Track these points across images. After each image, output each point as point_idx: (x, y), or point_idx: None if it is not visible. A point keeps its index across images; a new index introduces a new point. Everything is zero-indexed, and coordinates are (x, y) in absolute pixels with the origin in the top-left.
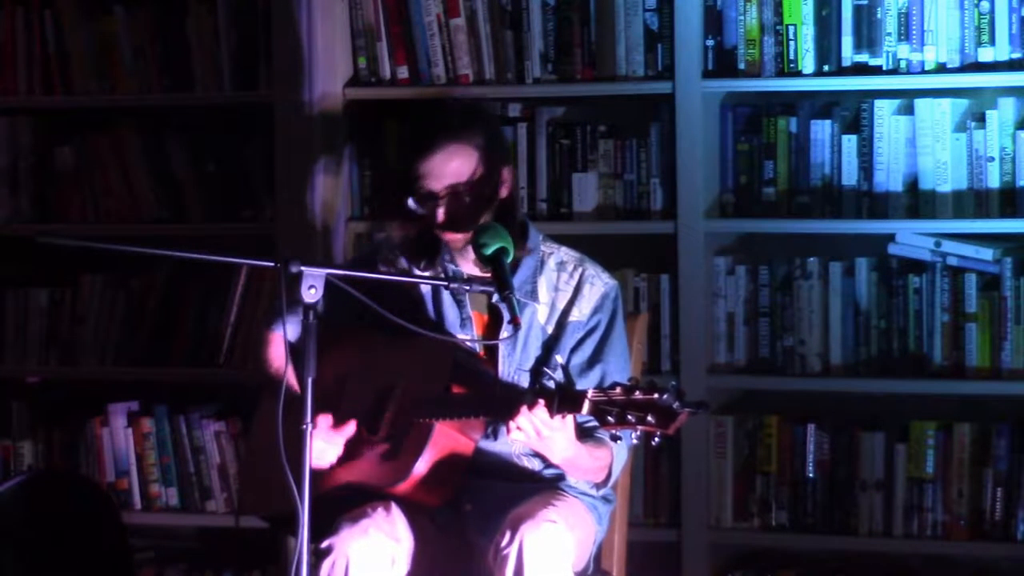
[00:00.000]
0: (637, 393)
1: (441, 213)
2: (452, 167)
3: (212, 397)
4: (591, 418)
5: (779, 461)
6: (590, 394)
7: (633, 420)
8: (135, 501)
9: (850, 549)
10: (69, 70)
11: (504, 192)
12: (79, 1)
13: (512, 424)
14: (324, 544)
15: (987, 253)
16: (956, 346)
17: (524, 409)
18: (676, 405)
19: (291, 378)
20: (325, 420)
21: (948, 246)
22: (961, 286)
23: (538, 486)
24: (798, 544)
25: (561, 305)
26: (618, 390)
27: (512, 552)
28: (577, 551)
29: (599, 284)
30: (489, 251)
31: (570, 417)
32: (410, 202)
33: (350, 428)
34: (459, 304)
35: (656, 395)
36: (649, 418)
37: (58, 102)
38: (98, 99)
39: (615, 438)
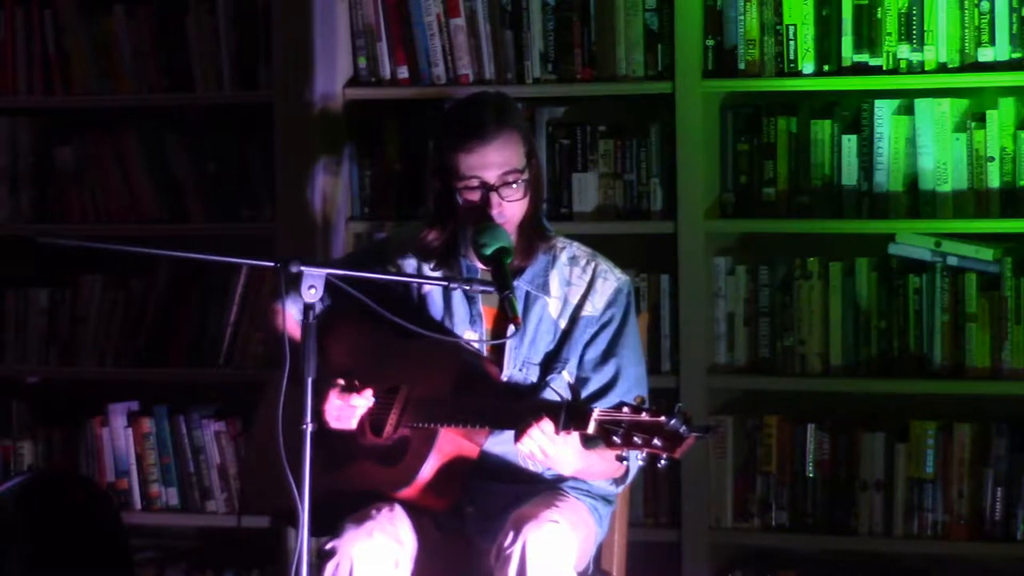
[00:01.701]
0: (644, 414)
1: (498, 203)
2: (504, 156)
3: (212, 397)
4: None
5: (779, 461)
6: (596, 413)
7: (639, 442)
8: (135, 501)
9: (850, 549)
10: (69, 70)
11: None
12: (79, 1)
13: (518, 443)
14: (328, 546)
15: (987, 253)
16: (956, 346)
17: (530, 429)
18: (683, 429)
19: (292, 327)
20: (338, 387)
21: (948, 246)
22: (961, 286)
23: (539, 487)
24: (798, 544)
25: (574, 299)
26: (625, 410)
27: (515, 552)
28: (578, 552)
29: (612, 279)
30: (489, 251)
31: (575, 432)
32: (460, 199)
33: (367, 395)
34: (470, 301)
35: (663, 418)
36: (656, 441)
37: (58, 102)
38: (98, 99)
39: (621, 459)
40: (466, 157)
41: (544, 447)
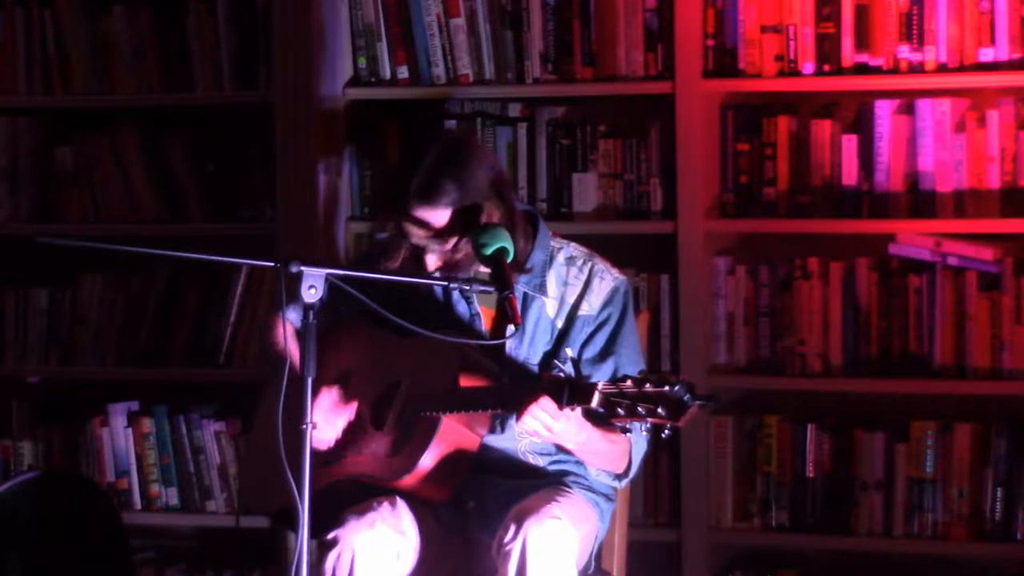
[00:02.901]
0: (648, 385)
1: (427, 261)
2: (429, 221)
3: (212, 397)
4: (603, 409)
5: (779, 461)
6: (600, 386)
7: (643, 412)
8: (135, 501)
9: (850, 549)
10: (69, 70)
11: (492, 216)
12: (79, 1)
13: (519, 421)
14: (330, 536)
15: (987, 253)
16: (956, 346)
17: (531, 407)
18: (687, 398)
19: (295, 356)
20: (328, 396)
21: (948, 246)
22: (961, 286)
23: (542, 482)
24: (798, 544)
25: (571, 299)
26: (628, 382)
27: (516, 547)
28: (580, 548)
29: (609, 278)
30: (489, 251)
31: (579, 408)
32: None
33: (351, 409)
34: (467, 301)
35: (667, 387)
36: (660, 410)
37: (58, 102)
38: (98, 99)
39: (625, 431)
40: (405, 211)
41: (548, 424)
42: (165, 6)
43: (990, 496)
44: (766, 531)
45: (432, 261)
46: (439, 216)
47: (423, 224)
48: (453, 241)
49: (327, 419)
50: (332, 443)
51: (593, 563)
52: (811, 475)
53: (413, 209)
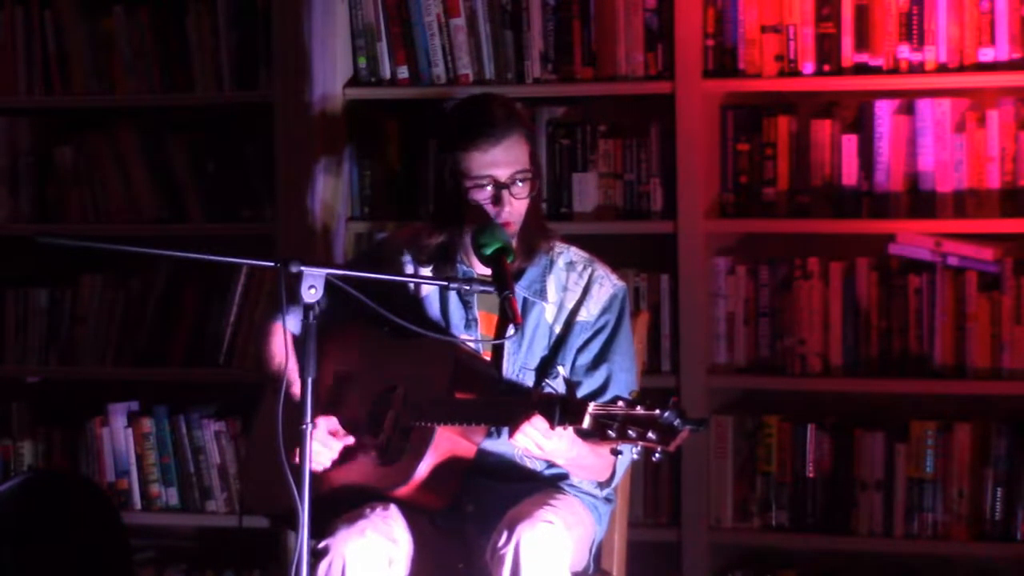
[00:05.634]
0: (639, 408)
1: (508, 201)
2: (514, 154)
3: (212, 397)
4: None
5: (779, 461)
6: (591, 408)
7: (634, 435)
8: (135, 501)
9: (850, 549)
10: (69, 70)
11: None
12: (79, 1)
13: (511, 439)
14: (321, 545)
15: (987, 253)
16: (956, 346)
17: (524, 426)
18: (677, 422)
19: (293, 374)
20: (326, 423)
21: (948, 246)
22: (961, 286)
23: (539, 485)
24: (798, 544)
25: (569, 305)
26: (620, 404)
27: (508, 552)
28: (576, 550)
29: (608, 285)
30: (489, 251)
31: (570, 428)
32: (472, 196)
33: (348, 439)
34: (465, 305)
35: (658, 411)
36: (650, 434)
37: (58, 102)
38: (98, 99)
39: (615, 452)
40: (479, 156)
41: (539, 442)
42: (165, 6)
43: (990, 496)
44: (766, 531)
45: (508, 202)
46: (522, 145)
47: (508, 159)
48: (532, 178)
49: (324, 443)
50: (329, 465)
51: (593, 563)
52: (811, 475)
53: (499, 137)
